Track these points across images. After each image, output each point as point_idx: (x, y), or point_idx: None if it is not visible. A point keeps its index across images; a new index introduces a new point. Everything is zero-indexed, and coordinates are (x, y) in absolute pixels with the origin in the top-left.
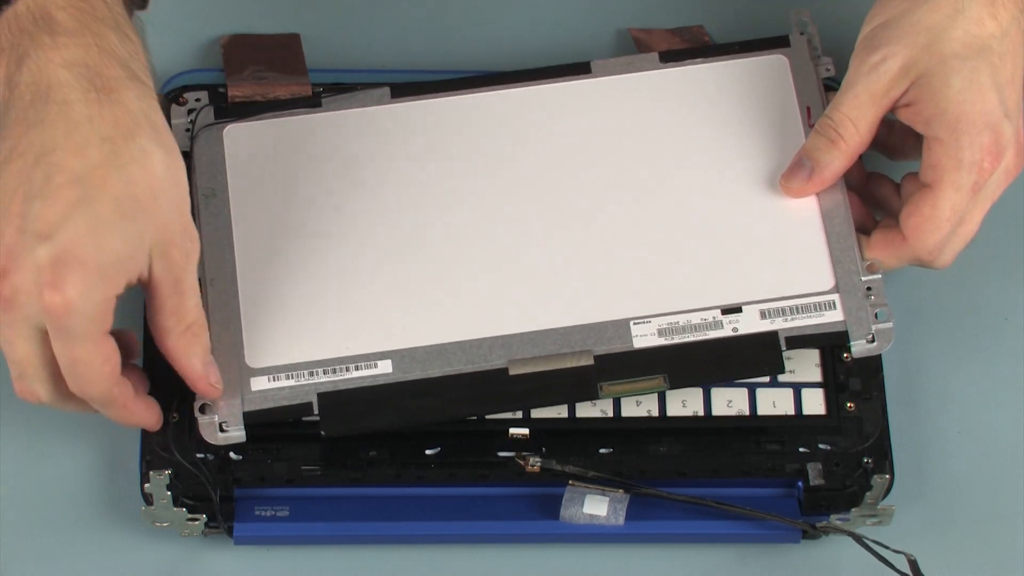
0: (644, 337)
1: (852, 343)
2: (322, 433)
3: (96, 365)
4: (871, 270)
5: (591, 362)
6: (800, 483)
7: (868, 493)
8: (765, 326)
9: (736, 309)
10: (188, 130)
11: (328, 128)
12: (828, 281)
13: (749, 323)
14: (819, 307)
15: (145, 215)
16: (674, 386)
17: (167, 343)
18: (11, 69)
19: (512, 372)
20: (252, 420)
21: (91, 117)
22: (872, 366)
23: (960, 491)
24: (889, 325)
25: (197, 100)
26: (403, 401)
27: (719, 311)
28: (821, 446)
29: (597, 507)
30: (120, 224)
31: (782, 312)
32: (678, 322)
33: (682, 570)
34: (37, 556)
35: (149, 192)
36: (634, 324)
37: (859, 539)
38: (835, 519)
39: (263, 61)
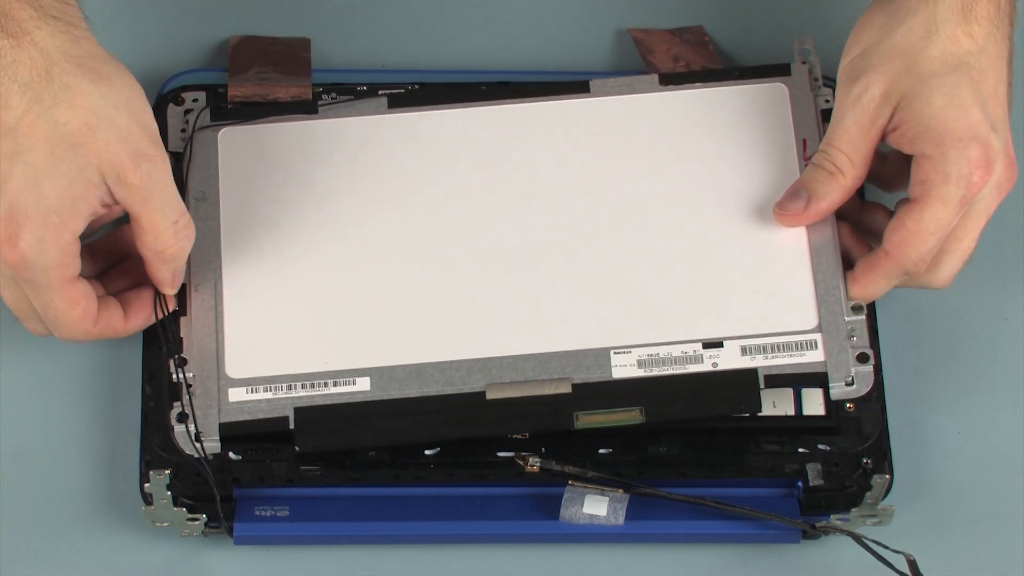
0: (623, 367)
1: (831, 385)
2: (296, 449)
3: (64, 310)
4: (855, 311)
5: (569, 390)
6: (800, 483)
7: (868, 493)
8: (745, 363)
9: (717, 344)
10: (183, 131)
11: (323, 136)
12: (811, 320)
13: (729, 359)
14: (800, 346)
15: (83, 149)
16: (650, 420)
17: (144, 254)
18: None
19: (489, 396)
20: (227, 432)
21: (5, 67)
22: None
23: (960, 491)
24: (869, 369)
25: (195, 100)
26: (379, 420)
27: (700, 344)
28: (821, 446)
29: (597, 507)
30: (56, 167)
31: (763, 349)
32: (658, 354)
33: (682, 570)
34: (37, 556)
35: (84, 126)
36: (614, 353)
37: (859, 539)
38: (835, 519)
39: (268, 63)
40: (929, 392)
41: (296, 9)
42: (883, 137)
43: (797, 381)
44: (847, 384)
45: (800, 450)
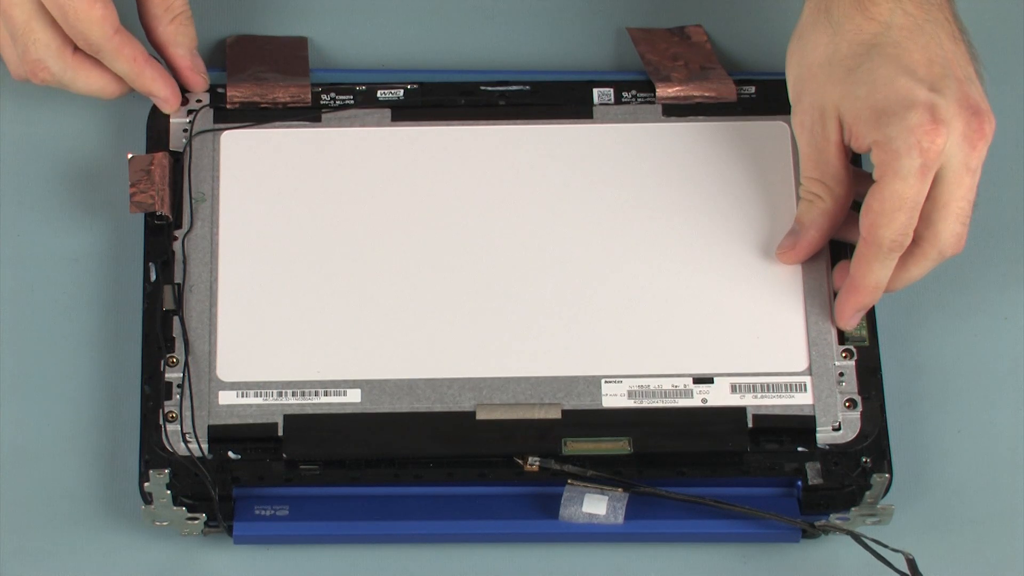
0: (613, 397)
1: (818, 429)
2: (283, 456)
3: (84, 5)
4: (845, 356)
5: (558, 416)
6: (799, 482)
7: (867, 492)
8: (734, 400)
9: (708, 380)
10: (186, 131)
11: (325, 145)
12: (802, 362)
13: (719, 395)
14: (790, 388)
15: None
16: (637, 450)
17: (157, 32)
18: None
19: (479, 417)
20: (216, 435)
21: None
22: (871, 365)
23: (959, 490)
24: (856, 415)
25: (198, 101)
26: (368, 433)
27: (691, 379)
28: (820, 445)
29: (596, 506)
30: None
31: (752, 388)
32: (649, 386)
33: (682, 570)
34: (37, 556)
35: None
36: (605, 382)
37: (858, 538)
38: (834, 518)
39: (266, 62)
40: (929, 392)
41: (294, 8)
42: (848, 151)
43: (784, 423)
44: (834, 429)
45: (799, 449)
